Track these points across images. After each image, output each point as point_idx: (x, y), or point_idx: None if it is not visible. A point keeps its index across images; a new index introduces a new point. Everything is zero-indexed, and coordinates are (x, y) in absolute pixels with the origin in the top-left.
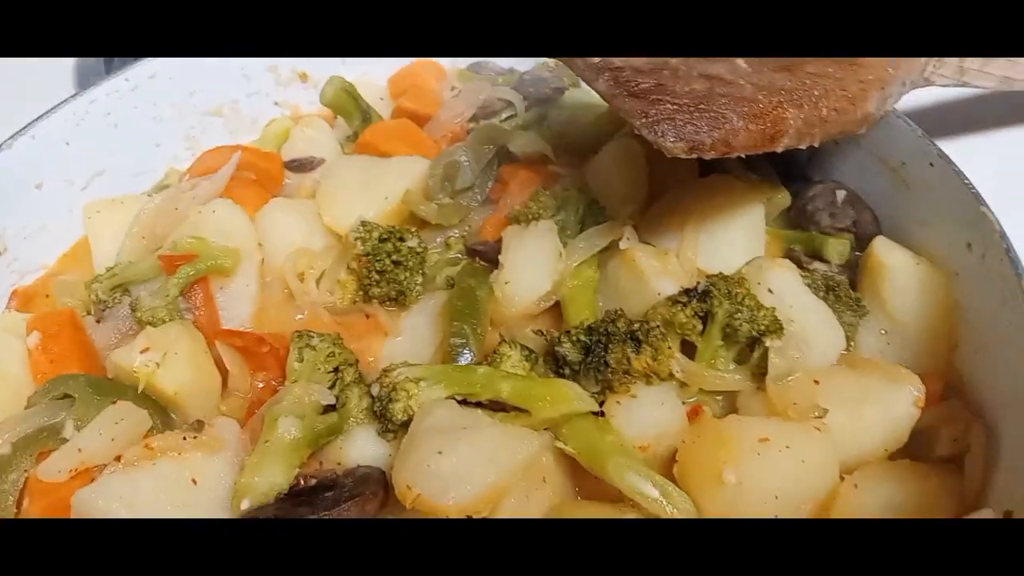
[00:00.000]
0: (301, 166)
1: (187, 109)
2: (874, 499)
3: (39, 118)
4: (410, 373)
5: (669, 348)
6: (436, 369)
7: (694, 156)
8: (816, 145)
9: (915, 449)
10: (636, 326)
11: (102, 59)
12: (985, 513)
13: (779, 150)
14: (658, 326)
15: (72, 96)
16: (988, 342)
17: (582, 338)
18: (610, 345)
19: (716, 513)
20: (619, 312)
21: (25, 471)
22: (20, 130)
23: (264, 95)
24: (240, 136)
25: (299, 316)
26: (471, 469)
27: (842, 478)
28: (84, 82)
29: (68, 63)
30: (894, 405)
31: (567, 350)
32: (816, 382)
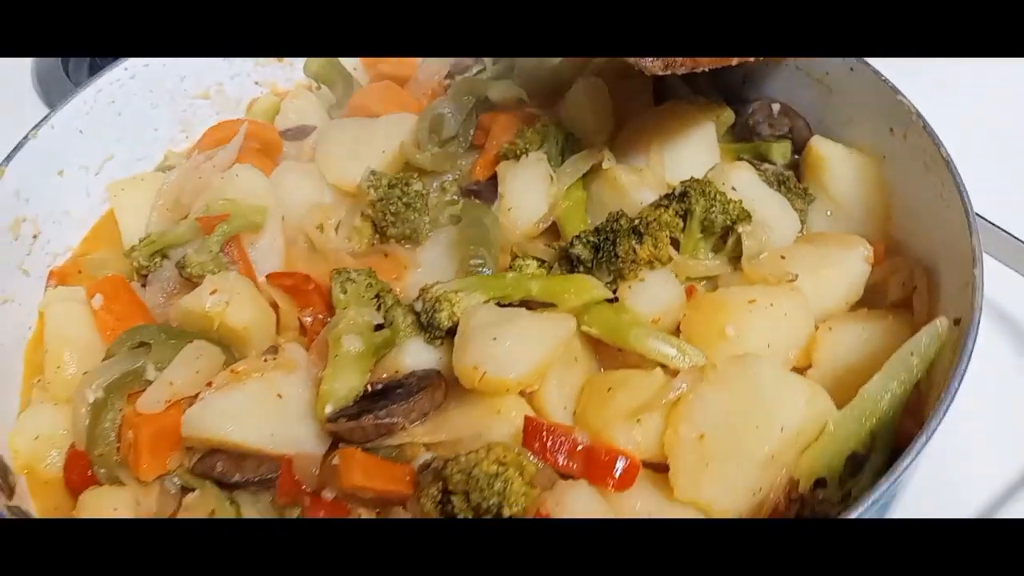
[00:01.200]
0: (296, 134)
1: (179, 94)
2: (846, 337)
3: (56, 109)
4: (448, 287)
5: (667, 237)
6: (471, 280)
7: (669, 72)
8: (762, 59)
9: (870, 301)
10: (637, 221)
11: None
12: (940, 320)
13: (735, 63)
14: (654, 219)
15: (81, 86)
16: (918, 205)
17: (591, 239)
18: (617, 240)
19: (722, 359)
20: (621, 212)
21: (120, 410)
22: (41, 121)
23: (245, 75)
24: (227, 116)
25: (323, 265)
26: (524, 348)
27: (816, 328)
28: (44, 80)
29: (27, 61)
30: (849, 263)
31: (579, 250)
32: (782, 257)
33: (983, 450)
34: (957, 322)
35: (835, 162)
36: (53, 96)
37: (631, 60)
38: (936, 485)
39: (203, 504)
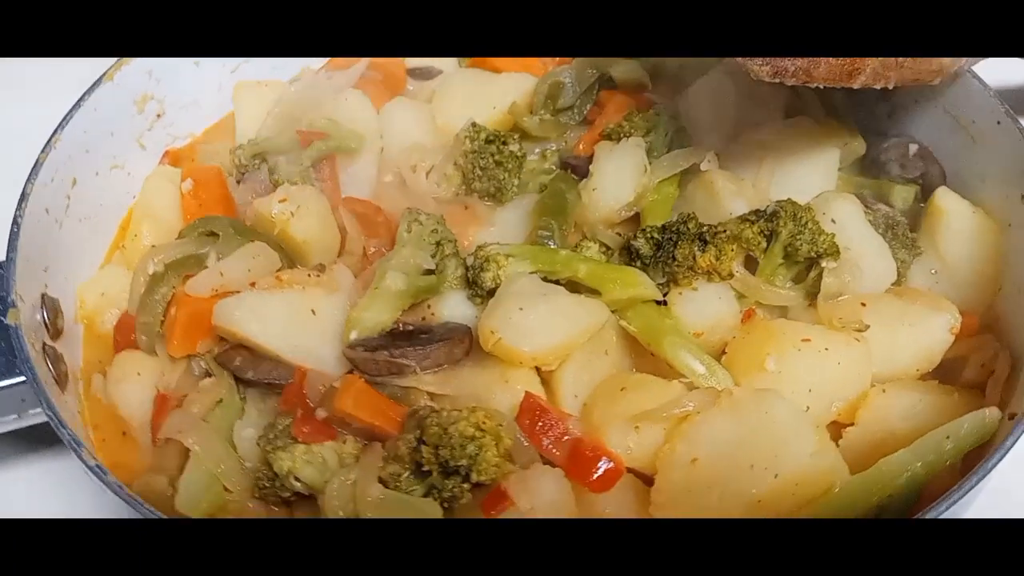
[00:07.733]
0: (423, 74)
1: None
2: (898, 403)
3: None
4: (501, 249)
5: (732, 251)
6: (524, 248)
7: (777, 80)
8: (890, 87)
9: (945, 376)
10: (705, 228)
11: None
12: (989, 410)
13: (856, 87)
14: (725, 231)
15: None
16: None
17: (655, 235)
18: (679, 242)
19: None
20: (692, 215)
21: (173, 287)
22: None
23: None
24: None
25: (408, 203)
26: (547, 325)
27: (872, 386)
28: None
29: None
30: (930, 328)
31: (640, 244)
32: (863, 304)
33: None
34: (1012, 417)
35: (955, 218)
36: None
37: (739, 59)
38: None
39: (215, 389)
